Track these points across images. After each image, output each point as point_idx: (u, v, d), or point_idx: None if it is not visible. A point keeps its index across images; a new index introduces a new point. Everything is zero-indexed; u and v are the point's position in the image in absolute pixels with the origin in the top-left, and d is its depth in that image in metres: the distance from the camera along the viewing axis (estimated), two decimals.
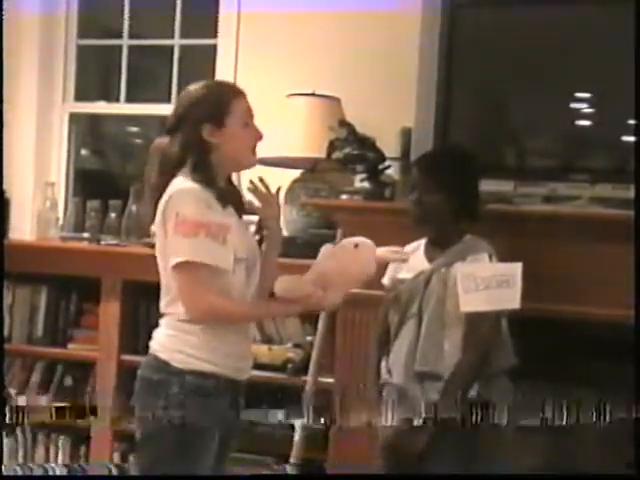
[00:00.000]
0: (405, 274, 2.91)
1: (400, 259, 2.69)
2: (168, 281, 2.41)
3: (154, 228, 2.42)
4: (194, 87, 2.47)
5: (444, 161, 2.95)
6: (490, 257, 2.79)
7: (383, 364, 2.93)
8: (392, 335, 2.91)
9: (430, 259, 2.88)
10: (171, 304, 2.42)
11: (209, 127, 2.39)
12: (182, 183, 2.36)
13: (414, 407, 2.76)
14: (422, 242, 2.94)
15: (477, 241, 2.85)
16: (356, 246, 2.43)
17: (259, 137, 2.47)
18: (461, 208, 2.86)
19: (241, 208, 2.51)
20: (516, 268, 2.54)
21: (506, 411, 2.76)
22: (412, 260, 2.84)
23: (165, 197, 2.35)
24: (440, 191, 2.84)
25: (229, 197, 2.44)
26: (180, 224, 2.30)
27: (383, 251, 2.54)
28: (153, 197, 2.40)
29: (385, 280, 2.96)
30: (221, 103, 2.41)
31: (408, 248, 2.87)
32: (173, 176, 2.39)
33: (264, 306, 2.54)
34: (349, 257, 2.42)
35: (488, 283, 2.54)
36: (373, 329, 3.07)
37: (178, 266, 2.32)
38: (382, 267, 2.80)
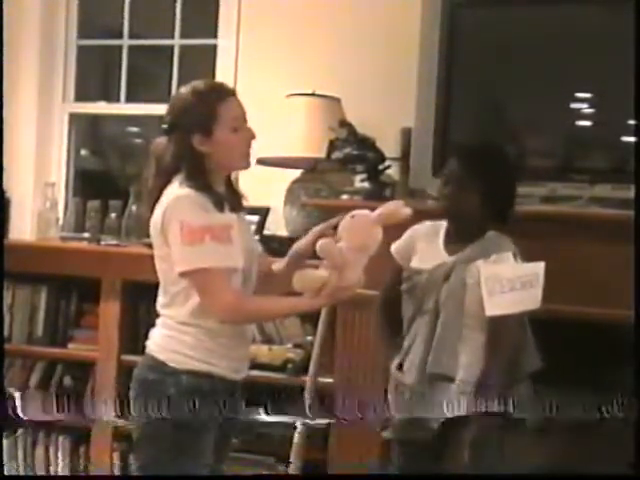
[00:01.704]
0: (421, 264, 2.81)
1: (402, 212, 2.41)
2: (166, 284, 2.41)
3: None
4: (183, 92, 2.44)
5: (489, 162, 2.81)
6: (514, 256, 2.69)
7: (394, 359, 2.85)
8: (404, 328, 2.82)
9: (450, 252, 2.78)
10: (167, 306, 2.42)
11: (198, 137, 2.37)
12: (177, 190, 2.35)
13: (426, 408, 2.72)
14: (440, 229, 2.83)
15: (500, 238, 2.75)
16: (352, 217, 2.42)
17: (252, 138, 2.44)
18: (495, 211, 2.77)
19: (240, 209, 2.50)
20: (539, 267, 2.48)
21: (529, 414, 2.73)
22: (429, 250, 2.79)
23: (162, 205, 2.35)
24: (479, 192, 2.73)
25: (226, 201, 2.42)
26: (185, 233, 2.28)
27: (380, 210, 2.40)
28: (150, 200, 2.40)
29: (392, 248, 2.85)
30: (207, 111, 2.37)
31: (422, 228, 2.82)
32: (169, 180, 2.38)
33: (289, 301, 2.44)
34: (349, 229, 2.39)
35: (513, 285, 2.48)
36: (373, 329, 3.05)
37: (189, 274, 2.31)
38: (389, 229, 2.64)
